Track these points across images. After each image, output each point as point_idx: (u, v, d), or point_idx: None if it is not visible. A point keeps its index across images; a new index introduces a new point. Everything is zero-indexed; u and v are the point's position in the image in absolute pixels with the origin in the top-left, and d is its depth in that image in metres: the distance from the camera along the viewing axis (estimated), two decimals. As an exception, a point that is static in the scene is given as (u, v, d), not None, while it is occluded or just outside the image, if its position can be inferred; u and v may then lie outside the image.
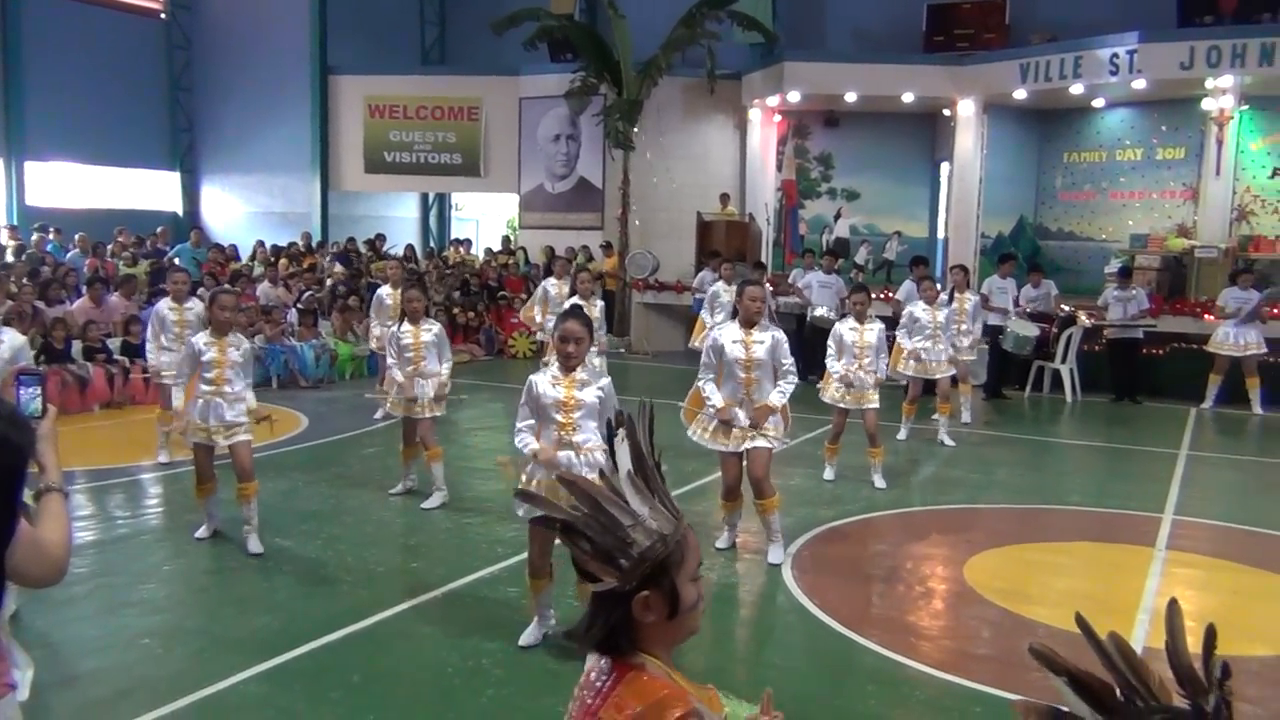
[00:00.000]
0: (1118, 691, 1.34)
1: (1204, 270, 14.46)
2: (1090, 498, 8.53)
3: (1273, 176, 15.21)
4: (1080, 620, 1.40)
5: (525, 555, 5.58)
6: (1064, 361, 13.27)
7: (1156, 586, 6.26)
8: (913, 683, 4.90)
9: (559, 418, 4.99)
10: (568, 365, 5.03)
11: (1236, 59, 13.68)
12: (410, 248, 19.73)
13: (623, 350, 16.93)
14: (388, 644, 5.28)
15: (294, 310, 14.35)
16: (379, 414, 10.89)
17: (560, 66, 18.68)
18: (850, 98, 16.73)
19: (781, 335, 6.59)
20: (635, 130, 17.44)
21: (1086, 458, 10.63)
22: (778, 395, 6.41)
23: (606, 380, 5.14)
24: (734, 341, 6.42)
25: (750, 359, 6.38)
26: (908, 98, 16.47)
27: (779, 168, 18.21)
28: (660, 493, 1.76)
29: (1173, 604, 1.40)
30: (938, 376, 10.23)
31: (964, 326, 11.22)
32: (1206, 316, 13.16)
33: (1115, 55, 14.39)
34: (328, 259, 17.83)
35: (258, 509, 6.64)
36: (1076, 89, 15.12)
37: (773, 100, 17.41)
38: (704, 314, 12.07)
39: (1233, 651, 5.29)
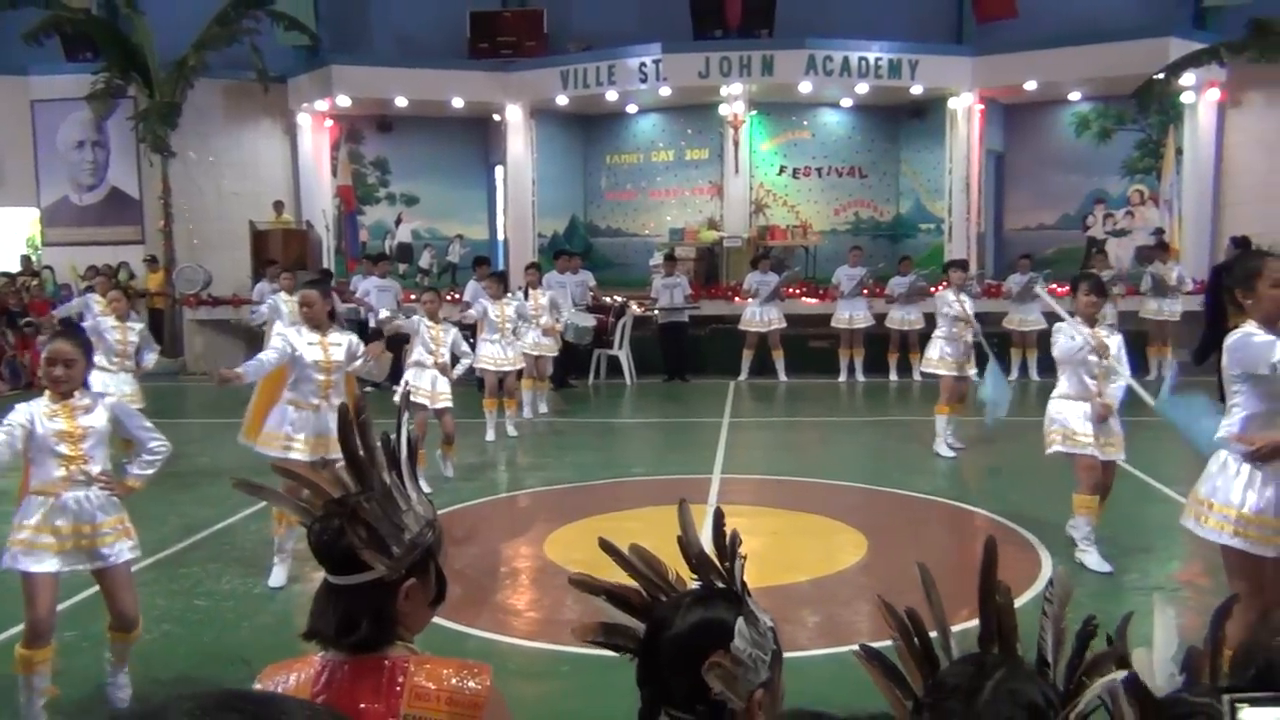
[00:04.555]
0: (644, 594, 1.54)
1: (732, 258, 16.19)
2: (651, 468, 9.28)
3: (780, 173, 17.29)
4: (604, 542, 1.59)
5: (66, 604, 5.09)
6: (620, 348, 14.26)
7: (710, 537, 6.95)
8: (504, 655, 5.08)
9: (66, 451, 4.24)
10: (58, 391, 4.26)
11: (744, 69, 15.40)
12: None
13: (178, 372, 15.77)
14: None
15: None
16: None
17: (78, 66, 16.94)
18: (401, 102, 16.78)
19: (356, 337, 6.54)
20: (173, 135, 16.27)
21: (646, 433, 11.54)
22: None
23: (112, 398, 4.57)
24: (310, 344, 6.25)
25: (329, 361, 6.24)
26: (457, 103, 16.81)
27: (334, 173, 17.83)
28: (416, 477, 1.72)
29: (681, 503, 1.62)
30: (513, 368, 10.60)
31: (544, 320, 11.70)
32: (736, 299, 14.73)
33: (643, 64, 15.65)
34: None
35: None
36: (612, 95, 16.24)
37: (322, 104, 17.02)
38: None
39: (779, 582, 6.08)
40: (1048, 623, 1.34)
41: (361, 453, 1.69)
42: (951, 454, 9.32)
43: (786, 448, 10.40)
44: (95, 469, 4.29)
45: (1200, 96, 15.40)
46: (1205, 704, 1.19)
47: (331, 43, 17.72)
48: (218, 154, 17.18)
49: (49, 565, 4.18)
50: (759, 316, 14.19)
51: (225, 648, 5.25)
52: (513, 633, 5.42)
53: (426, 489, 6.54)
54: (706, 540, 1.62)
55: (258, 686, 1.65)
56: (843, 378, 14.19)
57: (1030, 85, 15.63)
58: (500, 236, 18.38)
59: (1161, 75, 14.16)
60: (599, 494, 8.37)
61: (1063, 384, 6.40)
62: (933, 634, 1.39)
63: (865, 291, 14.16)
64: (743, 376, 14.30)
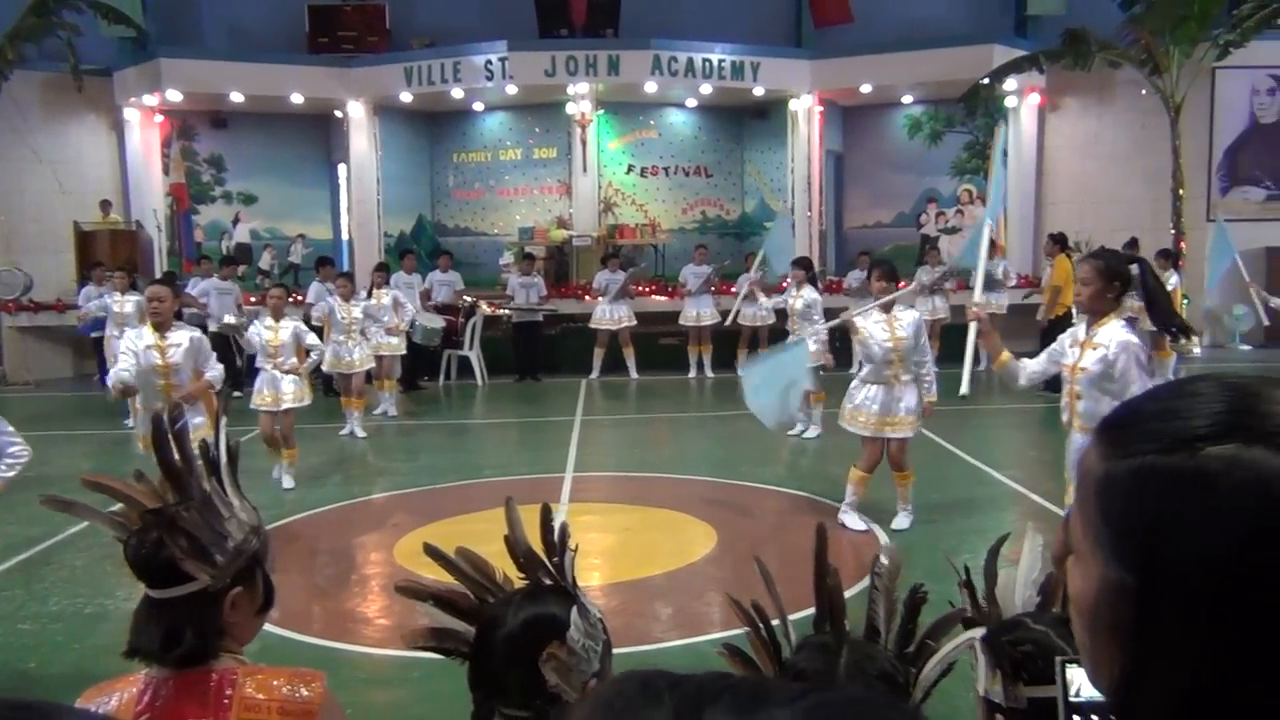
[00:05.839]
0: (471, 596, 1.55)
1: (582, 257, 16.24)
2: (503, 469, 9.23)
3: (628, 172, 17.44)
4: (428, 547, 1.60)
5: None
6: (471, 349, 14.12)
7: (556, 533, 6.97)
8: (354, 664, 5.00)
9: None
10: None
11: (590, 68, 15.46)
12: None
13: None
14: None
15: None
16: None
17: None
18: (236, 98, 16.20)
19: (200, 334, 6.35)
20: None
21: (498, 434, 11.47)
22: (210, 379, 6.23)
23: None
24: (147, 348, 6.00)
25: (166, 364, 6.01)
26: (296, 99, 16.34)
27: (166, 171, 17.06)
28: (238, 484, 1.69)
29: (508, 501, 1.64)
30: (355, 371, 10.40)
31: (386, 320, 11.48)
32: (587, 298, 14.79)
33: (489, 62, 15.53)
34: None
35: None
36: (457, 93, 16.07)
37: (150, 99, 16.28)
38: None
39: (632, 577, 6.15)
40: (879, 595, 1.44)
41: (178, 461, 1.65)
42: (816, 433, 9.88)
43: (638, 444, 10.50)
44: None
45: (1022, 101, 16.27)
46: (1041, 633, 1.31)
47: (160, 34, 16.96)
48: (37, 151, 16.21)
49: None
50: (609, 315, 14.27)
51: (52, 673, 4.99)
52: (363, 641, 5.33)
53: (287, 480, 6.43)
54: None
55: None
56: (692, 374, 14.42)
57: (865, 88, 16.20)
58: (345, 236, 17.96)
59: (986, 80, 14.88)
60: (450, 497, 8.27)
61: (864, 368, 6.97)
62: (775, 622, 1.47)
63: (712, 289, 14.41)
64: (594, 375, 14.37)
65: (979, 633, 1.33)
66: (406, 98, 16.25)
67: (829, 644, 1.36)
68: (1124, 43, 14.44)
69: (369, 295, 11.49)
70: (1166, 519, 0.72)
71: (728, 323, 13.50)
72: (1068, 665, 1.07)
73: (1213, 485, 0.70)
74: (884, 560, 1.48)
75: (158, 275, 14.24)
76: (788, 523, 7.47)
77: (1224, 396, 0.74)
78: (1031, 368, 4.95)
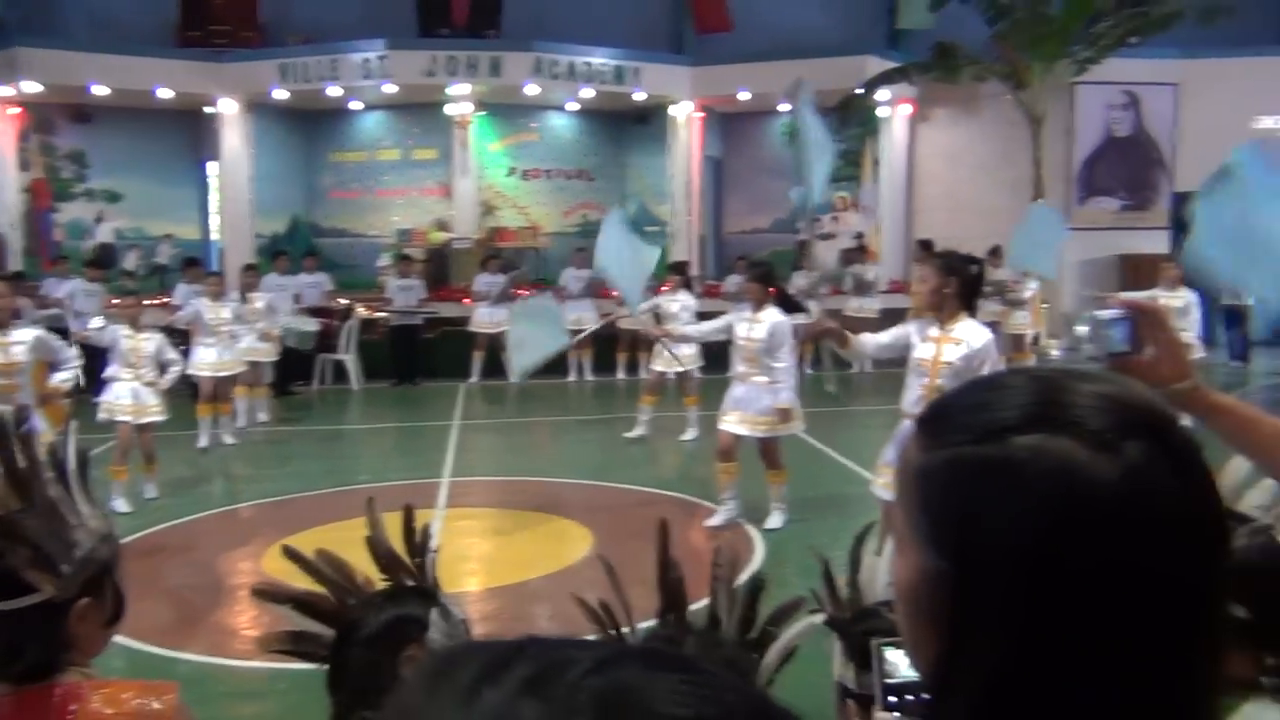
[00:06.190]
0: (331, 599, 1.52)
1: (462, 259, 16.06)
2: (379, 474, 9.07)
3: (509, 175, 17.33)
4: (286, 548, 1.56)
5: None
6: (347, 352, 13.83)
7: (438, 542, 6.89)
8: (218, 677, 4.87)
9: None
10: None
11: (471, 69, 15.31)
12: None
13: None
14: None
15: None
16: None
17: None
18: (100, 91, 15.52)
19: (44, 332, 6.15)
20: None
21: (374, 439, 11.28)
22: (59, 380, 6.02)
23: None
24: None
25: (10, 363, 5.73)
26: (165, 94, 15.76)
27: (24, 166, 16.24)
28: (89, 489, 1.61)
29: (370, 502, 1.61)
30: (222, 375, 10.06)
31: (260, 325, 11.17)
32: (466, 301, 14.64)
33: (367, 60, 15.25)
34: None
35: None
36: (334, 91, 15.73)
37: (6, 90, 15.48)
38: None
39: (510, 581, 6.11)
40: (719, 585, 1.47)
41: (23, 465, 1.57)
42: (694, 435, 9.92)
43: (516, 449, 10.45)
44: None
45: (894, 111, 16.73)
46: (894, 622, 1.35)
47: (17, 22, 16.14)
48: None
49: None
50: (489, 318, 14.13)
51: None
52: (228, 654, 5.17)
53: (127, 508, 6.21)
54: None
55: None
56: (572, 377, 14.38)
57: (744, 95, 16.44)
58: (214, 237, 17.38)
59: (860, 91, 15.27)
60: (322, 504, 8.05)
61: None
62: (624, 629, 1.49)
63: (593, 293, 14.38)
64: (473, 379, 14.21)
65: (818, 619, 1.37)
66: (281, 95, 15.83)
67: (673, 635, 1.38)
68: (990, 58, 15.01)
69: (242, 298, 11.15)
70: (978, 508, 0.74)
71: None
72: (884, 648, 1.11)
73: (1019, 474, 0.73)
74: (723, 553, 1.52)
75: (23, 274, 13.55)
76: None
77: (1032, 388, 0.77)
78: (874, 344, 5.36)
